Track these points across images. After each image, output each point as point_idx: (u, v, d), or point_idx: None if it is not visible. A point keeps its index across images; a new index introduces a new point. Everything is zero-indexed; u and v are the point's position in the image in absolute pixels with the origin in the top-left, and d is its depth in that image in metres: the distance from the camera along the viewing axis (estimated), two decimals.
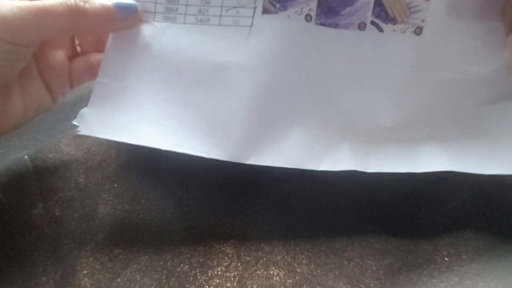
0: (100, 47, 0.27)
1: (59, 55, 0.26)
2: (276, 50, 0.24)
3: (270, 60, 0.24)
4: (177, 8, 0.24)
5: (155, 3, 0.25)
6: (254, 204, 0.26)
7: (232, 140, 0.24)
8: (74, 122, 0.33)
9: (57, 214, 0.26)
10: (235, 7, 0.24)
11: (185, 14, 0.24)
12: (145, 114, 0.24)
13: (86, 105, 0.29)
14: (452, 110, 0.24)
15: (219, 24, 0.24)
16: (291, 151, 0.24)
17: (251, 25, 0.24)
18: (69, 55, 0.27)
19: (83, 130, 0.24)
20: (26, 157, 0.30)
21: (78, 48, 0.27)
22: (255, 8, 0.24)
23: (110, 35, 0.25)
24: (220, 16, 0.24)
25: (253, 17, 0.24)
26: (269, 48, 0.24)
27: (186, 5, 0.24)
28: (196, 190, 0.27)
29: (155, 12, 0.25)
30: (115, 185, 0.28)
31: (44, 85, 0.26)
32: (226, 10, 0.24)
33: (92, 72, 0.27)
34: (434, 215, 0.25)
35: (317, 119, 0.25)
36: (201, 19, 0.24)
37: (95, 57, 0.27)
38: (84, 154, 0.30)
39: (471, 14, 0.23)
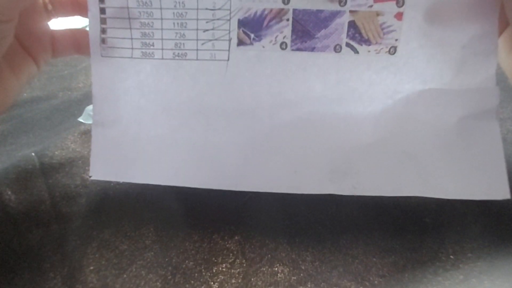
0: (75, 7, 0.26)
1: (34, 18, 0.25)
2: (254, 82, 0.25)
3: (249, 93, 0.25)
4: (153, 43, 0.25)
5: (131, 39, 0.25)
6: (258, 201, 0.26)
7: (221, 171, 0.25)
8: (80, 119, 0.33)
9: (63, 210, 0.27)
10: (210, 40, 0.24)
11: (162, 49, 0.25)
12: (140, 153, 0.26)
13: (91, 103, 0.29)
14: (432, 123, 0.24)
15: (197, 59, 0.25)
16: (275, 176, 0.25)
17: (228, 59, 0.24)
18: (44, 17, 0.26)
19: (94, 175, 0.26)
20: (33, 154, 0.30)
21: (50, 7, 0.26)
22: (230, 40, 0.24)
23: (93, 79, 0.26)
24: (197, 50, 0.25)
25: (229, 50, 0.24)
26: (247, 81, 0.25)
27: (162, 39, 0.25)
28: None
29: (132, 48, 0.25)
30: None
31: (26, 53, 0.26)
32: (202, 44, 0.24)
33: (76, 46, 0.27)
34: (439, 213, 0.25)
35: (300, 143, 0.25)
36: (178, 53, 0.25)
37: (81, 32, 0.27)
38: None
39: (460, 22, 0.23)
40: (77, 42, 0.27)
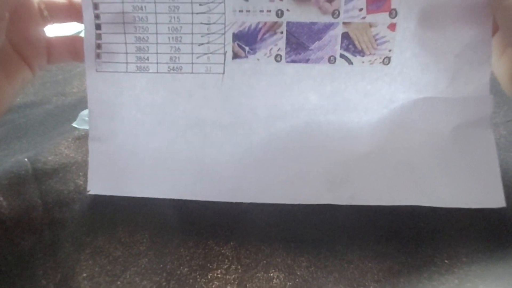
0: (71, 13, 0.26)
1: (29, 24, 0.25)
2: (249, 95, 0.25)
3: (245, 106, 0.25)
4: (148, 57, 0.25)
5: (126, 53, 0.25)
6: (254, 206, 0.26)
7: (219, 183, 0.25)
8: (74, 125, 0.33)
9: (56, 216, 0.26)
10: (205, 54, 0.25)
11: (157, 63, 0.25)
12: (137, 167, 0.26)
13: (85, 108, 0.29)
14: (427, 132, 0.24)
15: (192, 72, 0.25)
16: (273, 187, 0.25)
17: (223, 72, 0.25)
18: (40, 23, 0.26)
19: (92, 190, 0.26)
20: (26, 159, 0.30)
21: (46, 13, 0.26)
22: (225, 53, 0.24)
23: (89, 94, 0.26)
24: (192, 63, 0.25)
25: (224, 63, 0.25)
26: (243, 93, 0.25)
27: (157, 53, 0.25)
28: None
29: (127, 63, 0.25)
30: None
31: (21, 59, 0.25)
32: (197, 57, 0.25)
33: (72, 53, 0.27)
34: (434, 217, 0.25)
35: (296, 154, 0.25)
36: (173, 67, 0.25)
37: (77, 39, 0.27)
38: (83, 156, 0.30)
39: (453, 31, 0.23)
40: (73, 49, 0.27)
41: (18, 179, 0.28)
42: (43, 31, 0.26)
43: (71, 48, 0.27)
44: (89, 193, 0.26)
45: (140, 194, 0.26)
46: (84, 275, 0.23)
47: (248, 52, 0.24)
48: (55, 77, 0.42)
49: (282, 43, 0.24)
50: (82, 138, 0.32)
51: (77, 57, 0.27)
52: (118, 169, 0.26)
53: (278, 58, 0.24)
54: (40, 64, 0.27)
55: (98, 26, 0.25)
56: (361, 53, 0.24)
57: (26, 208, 0.27)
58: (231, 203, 0.26)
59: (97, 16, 0.25)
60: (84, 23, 0.25)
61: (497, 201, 0.23)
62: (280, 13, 0.24)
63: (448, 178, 0.24)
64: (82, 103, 0.37)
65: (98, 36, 0.25)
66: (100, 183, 0.26)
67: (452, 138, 0.24)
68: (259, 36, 0.24)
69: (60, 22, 0.27)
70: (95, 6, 0.24)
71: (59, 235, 0.25)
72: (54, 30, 0.27)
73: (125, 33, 0.25)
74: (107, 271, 0.23)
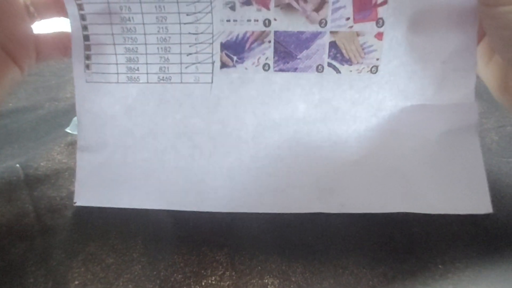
0: (57, 8, 0.25)
1: (15, 21, 0.25)
2: (238, 104, 0.25)
3: (233, 115, 0.25)
4: (138, 68, 0.25)
5: (116, 64, 0.25)
6: (248, 213, 0.26)
7: (208, 193, 0.25)
8: (67, 130, 0.33)
9: (48, 223, 0.26)
10: (194, 63, 0.25)
11: (147, 73, 0.25)
12: (126, 177, 0.26)
13: None
14: (415, 139, 0.25)
15: (181, 82, 0.25)
16: (263, 197, 0.25)
17: (212, 82, 0.25)
18: (26, 20, 0.25)
19: (79, 202, 0.26)
20: (17, 165, 0.30)
21: (32, 9, 0.25)
22: (213, 63, 0.25)
23: (78, 105, 0.26)
24: (181, 73, 0.25)
25: (212, 73, 0.25)
26: (232, 103, 0.25)
27: (146, 63, 0.25)
28: None
29: (118, 73, 0.25)
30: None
31: (9, 57, 0.25)
32: (186, 67, 0.25)
33: (62, 49, 0.26)
34: (427, 223, 0.25)
35: (286, 162, 0.25)
36: (163, 77, 0.25)
37: (66, 35, 0.26)
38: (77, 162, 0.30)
39: (439, 39, 0.23)
40: (61, 45, 0.26)
41: (10, 185, 0.28)
42: (31, 28, 0.26)
43: (60, 45, 0.26)
44: (76, 204, 0.26)
45: (128, 205, 0.26)
46: (76, 282, 0.23)
47: (236, 61, 0.25)
48: (47, 82, 0.42)
49: (270, 52, 0.24)
50: (75, 144, 0.31)
51: (66, 54, 0.26)
52: (106, 179, 0.26)
53: (266, 67, 0.24)
54: (29, 62, 0.26)
55: (86, 37, 0.25)
56: (349, 62, 0.24)
57: (17, 214, 0.26)
58: None
59: (84, 27, 0.25)
60: (72, 33, 0.25)
61: (484, 207, 0.24)
62: (267, 23, 0.24)
63: (436, 185, 0.24)
64: (75, 109, 0.37)
65: (87, 47, 0.25)
66: (87, 194, 0.26)
67: (439, 144, 0.24)
68: (247, 46, 0.24)
69: (47, 18, 0.26)
70: (82, 17, 0.24)
71: (50, 242, 0.25)
72: (44, 28, 0.27)
73: (114, 44, 0.25)
74: (100, 279, 0.23)
